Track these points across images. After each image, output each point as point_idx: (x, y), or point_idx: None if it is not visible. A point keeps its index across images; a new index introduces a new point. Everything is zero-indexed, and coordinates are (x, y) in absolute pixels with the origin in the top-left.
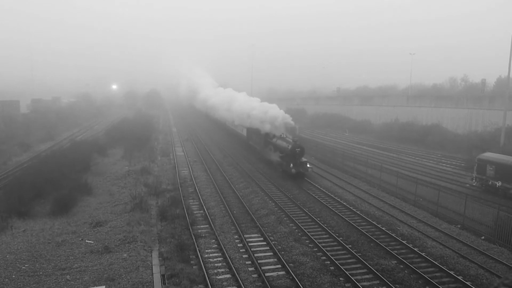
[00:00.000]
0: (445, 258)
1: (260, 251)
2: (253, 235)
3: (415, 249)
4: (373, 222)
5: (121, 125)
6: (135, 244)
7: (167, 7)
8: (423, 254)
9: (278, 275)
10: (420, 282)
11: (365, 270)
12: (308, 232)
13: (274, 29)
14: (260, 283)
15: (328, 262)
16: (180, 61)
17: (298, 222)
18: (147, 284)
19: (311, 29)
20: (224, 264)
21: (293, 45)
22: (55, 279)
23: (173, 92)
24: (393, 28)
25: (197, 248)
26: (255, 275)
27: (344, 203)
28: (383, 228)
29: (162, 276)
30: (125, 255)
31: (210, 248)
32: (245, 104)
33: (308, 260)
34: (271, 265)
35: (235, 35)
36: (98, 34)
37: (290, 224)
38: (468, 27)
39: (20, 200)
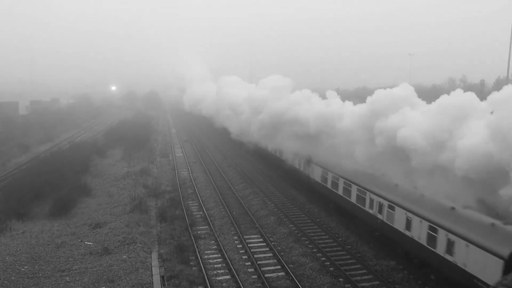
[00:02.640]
0: None
1: (260, 252)
2: (252, 236)
3: None
4: None
5: (120, 126)
6: (135, 245)
7: (167, 7)
8: None
9: (278, 276)
10: (419, 282)
11: (364, 271)
12: (307, 233)
13: (273, 32)
14: (260, 284)
15: (328, 263)
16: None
17: (298, 223)
18: (146, 285)
19: (311, 32)
20: (224, 265)
21: (292, 48)
22: (54, 281)
23: (170, 93)
24: (392, 32)
25: (196, 249)
26: (255, 276)
27: None
28: None
29: (162, 277)
30: (124, 256)
31: (210, 249)
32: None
33: (307, 261)
34: (270, 266)
35: (233, 37)
36: (98, 36)
37: (290, 225)
38: (467, 30)
39: (19, 201)
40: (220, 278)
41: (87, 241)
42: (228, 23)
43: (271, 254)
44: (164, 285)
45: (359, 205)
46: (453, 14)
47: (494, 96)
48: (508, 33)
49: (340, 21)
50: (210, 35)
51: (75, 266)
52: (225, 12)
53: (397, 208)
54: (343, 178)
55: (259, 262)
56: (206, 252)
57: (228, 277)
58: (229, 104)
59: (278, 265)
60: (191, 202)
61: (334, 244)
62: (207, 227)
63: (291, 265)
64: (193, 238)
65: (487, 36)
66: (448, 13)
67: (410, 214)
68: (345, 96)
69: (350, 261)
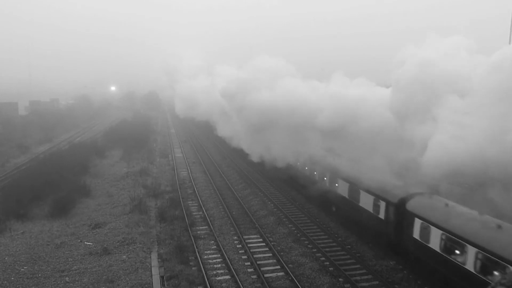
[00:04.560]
0: None
1: (259, 252)
2: (252, 236)
3: None
4: None
5: (119, 127)
6: (134, 245)
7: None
8: None
9: (277, 276)
10: (418, 282)
11: (364, 271)
12: (307, 233)
13: (273, 32)
14: (260, 284)
15: (328, 263)
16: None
17: (297, 223)
18: (146, 285)
19: (311, 33)
20: (224, 265)
21: (292, 48)
22: (54, 281)
23: (166, 93)
24: (392, 34)
25: (196, 250)
26: (254, 276)
27: None
28: None
29: (161, 277)
30: (124, 256)
31: (209, 249)
32: None
33: (307, 260)
34: (270, 266)
35: (233, 39)
36: (97, 37)
37: (289, 225)
38: (467, 32)
39: (19, 202)
40: (219, 278)
41: (86, 242)
42: (228, 26)
43: (270, 254)
44: (163, 285)
45: None
46: (452, 18)
47: None
48: (506, 36)
49: (340, 23)
50: (210, 38)
51: (75, 267)
52: (225, 14)
53: None
54: None
55: (258, 262)
56: (205, 252)
57: (227, 277)
58: (219, 105)
59: (277, 265)
60: (191, 202)
61: (334, 244)
62: (206, 227)
63: (290, 265)
64: (192, 238)
65: (486, 38)
66: (447, 17)
67: None
68: None
69: (349, 261)
